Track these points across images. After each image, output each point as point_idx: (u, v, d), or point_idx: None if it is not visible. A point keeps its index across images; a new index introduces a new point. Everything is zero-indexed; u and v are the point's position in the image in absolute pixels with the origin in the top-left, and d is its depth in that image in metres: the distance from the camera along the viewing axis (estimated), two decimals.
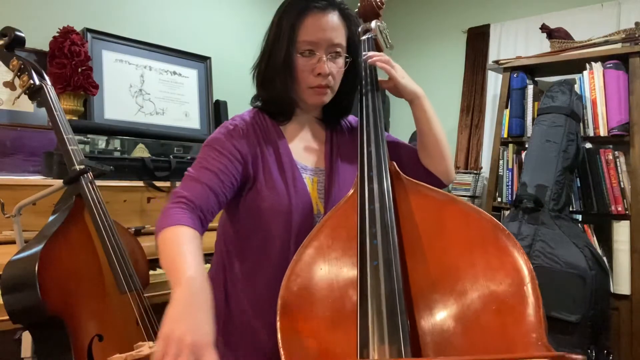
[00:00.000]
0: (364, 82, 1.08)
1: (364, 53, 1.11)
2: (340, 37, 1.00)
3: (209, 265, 1.09)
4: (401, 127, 3.28)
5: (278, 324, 0.76)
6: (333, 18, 0.98)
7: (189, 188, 0.91)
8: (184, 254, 0.76)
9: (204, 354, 0.63)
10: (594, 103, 2.21)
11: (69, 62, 2.02)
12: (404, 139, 1.28)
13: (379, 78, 1.11)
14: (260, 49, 1.06)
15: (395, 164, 0.94)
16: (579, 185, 2.26)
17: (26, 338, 1.26)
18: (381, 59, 1.05)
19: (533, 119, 2.42)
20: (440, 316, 0.69)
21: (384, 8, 1.21)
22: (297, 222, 0.97)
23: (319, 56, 0.98)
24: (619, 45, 2.21)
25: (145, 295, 1.31)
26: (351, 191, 0.91)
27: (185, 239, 0.80)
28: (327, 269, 0.81)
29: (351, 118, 1.18)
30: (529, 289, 0.66)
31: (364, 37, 1.17)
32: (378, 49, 1.21)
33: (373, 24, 1.19)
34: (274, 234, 0.98)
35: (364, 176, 0.90)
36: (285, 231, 0.97)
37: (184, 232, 0.82)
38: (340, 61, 1.02)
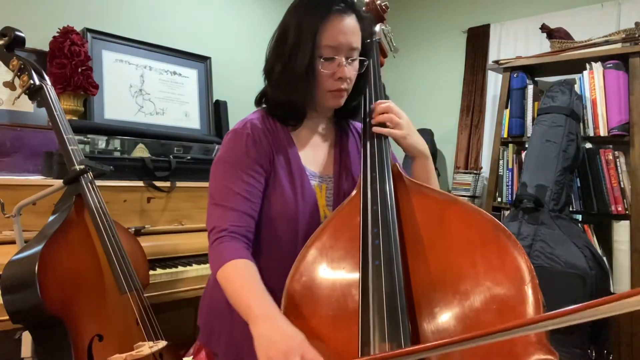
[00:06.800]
0: (367, 85, 1.08)
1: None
2: (357, 40, 0.99)
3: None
4: None
5: None
6: (351, 21, 0.97)
7: (224, 219, 0.93)
8: (249, 289, 0.82)
9: (304, 351, 0.68)
10: (594, 103, 2.22)
11: (69, 62, 2.02)
12: None
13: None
14: (270, 48, 1.02)
15: (397, 164, 0.95)
16: (579, 185, 2.26)
17: (26, 338, 1.26)
18: (382, 121, 1.01)
19: (533, 119, 2.42)
20: (441, 315, 0.69)
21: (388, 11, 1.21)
22: (304, 229, 0.97)
23: (339, 60, 0.96)
24: (619, 45, 2.21)
25: (145, 295, 1.32)
26: (354, 192, 0.92)
27: (245, 273, 0.85)
28: (330, 268, 0.82)
29: (358, 125, 1.18)
30: (529, 288, 0.66)
31: (368, 41, 1.18)
32: (382, 52, 1.21)
33: (377, 27, 1.19)
34: (281, 241, 0.99)
35: (366, 177, 0.91)
36: (291, 239, 0.98)
37: (239, 266, 0.86)
38: (356, 64, 1.01)
